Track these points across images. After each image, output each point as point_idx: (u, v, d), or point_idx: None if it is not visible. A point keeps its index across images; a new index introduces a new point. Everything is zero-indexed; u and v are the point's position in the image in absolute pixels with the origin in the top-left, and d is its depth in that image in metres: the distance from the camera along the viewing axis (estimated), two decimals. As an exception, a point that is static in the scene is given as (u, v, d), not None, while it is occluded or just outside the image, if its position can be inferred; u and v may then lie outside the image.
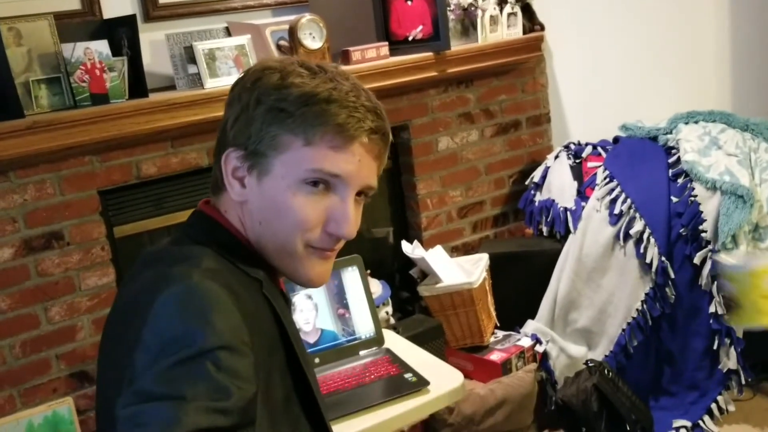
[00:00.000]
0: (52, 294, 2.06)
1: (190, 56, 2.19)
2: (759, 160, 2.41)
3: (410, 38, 2.52)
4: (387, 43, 2.48)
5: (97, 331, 2.13)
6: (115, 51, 2.08)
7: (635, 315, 2.40)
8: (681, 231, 2.36)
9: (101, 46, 2.04)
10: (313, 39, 2.28)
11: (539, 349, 2.43)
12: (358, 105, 0.91)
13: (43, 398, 2.05)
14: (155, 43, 2.26)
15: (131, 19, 2.10)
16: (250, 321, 0.83)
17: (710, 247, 2.31)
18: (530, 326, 2.51)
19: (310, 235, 0.92)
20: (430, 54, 2.50)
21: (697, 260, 2.33)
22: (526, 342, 2.42)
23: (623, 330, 2.42)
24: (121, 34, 2.10)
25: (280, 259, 0.95)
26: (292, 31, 2.27)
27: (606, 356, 2.44)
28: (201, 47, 2.16)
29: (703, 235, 2.33)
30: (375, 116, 0.93)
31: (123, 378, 0.76)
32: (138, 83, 2.10)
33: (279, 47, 2.36)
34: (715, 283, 2.31)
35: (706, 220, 2.33)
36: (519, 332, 2.49)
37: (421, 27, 2.51)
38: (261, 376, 0.82)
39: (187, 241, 0.95)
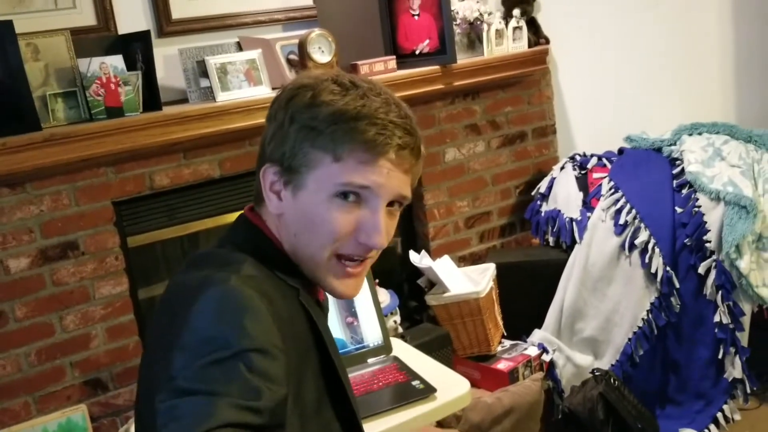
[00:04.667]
0: (67, 303, 2.10)
1: (203, 70, 2.24)
2: (762, 171, 2.44)
3: (417, 52, 2.57)
4: (394, 56, 2.52)
5: (111, 339, 2.17)
6: (130, 65, 2.13)
7: (641, 324, 2.42)
8: (685, 241, 2.39)
9: (116, 61, 2.09)
10: (322, 53, 2.33)
11: (546, 358, 2.45)
12: (386, 121, 0.93)
13: (58, 405, 2.09)
14: (168, 58, 2.31)
15: (145, 34, 2.15)
16: (283, 326, 0.86)
17: (714, 257, 2.34)
18: (537, 335, 2.53)
19: (340, 245, 0.95)
20: (436, 67, 2.55)
21: (701, 270, 2.36)
22: (533, 351, 2.44)
23: (629, 339, 2.44)
24: (136, 49, 2.15)
25: (312, 269, 0.98)
26: (302, 46, 2.31)
27: (612, 365, 2.46)
28: (213, 61, 2.20)
29: (707, 245, 2.35)
30: (404, 132, 0.95)
31: (163, 373, 0.80)
32: (152, 97, 2.15)
33: (289, 61, 2.41)
34: (720, 292, 2.33)
35: (710, 230, 2.35)
36: (526, 341, 2.51)
37: (427, 41, 2.56)
38: (292, 379, 0.85)
39: (231, 246, 0.99)
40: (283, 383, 0.80)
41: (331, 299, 1.10)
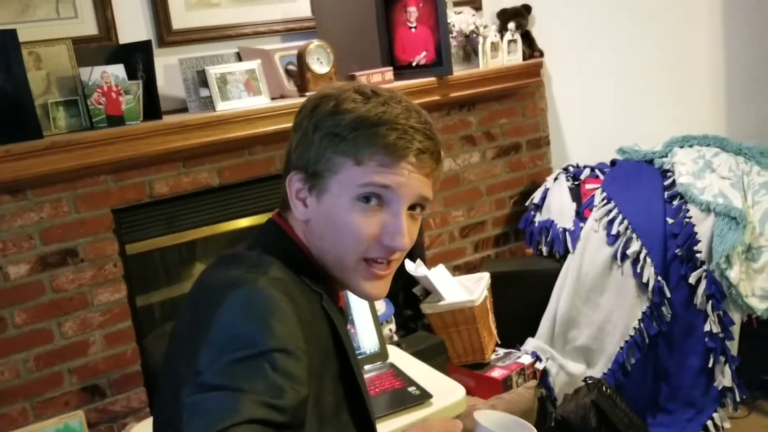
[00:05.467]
0: (65, 309, 2.12)
1: (203, 80, 2.27)
2: (751, 183, 2.48)
3: (414, 63, 2.61)
4: (392, 68, 2.56)
5: (109, 345, 2.18)
6: (131, 74, 2.16)
7: (633, 333, 2.46)
8: (676, 251, 2.43)
9: (117, 70, 2.12)
10: (320, 64, 2.36)
11: (539, 366, 2.48)
12: (407, 127, 0.96)
13: (56, 411, 2.10)
14: (169, 67, 2.34)
15: (146, 44, 2.18)
16: (306, 329, 0.89)
17: (705, 267, 2.38)
18: (530, 344, 2.56)
19: (366, 249, 0.98)
20: (433, 79, 2.59)
21: (692, 280, 2.39)
22: (526, 359, 2.47)
23: (621, 348, 2.47)
24: (137, 59, 2.18)
25: (340, 272, 1.01)
26: (301, 56, 2.35)
27: (604, 374, 2.49)
28: (213, 71, 2.24)
29: (697, 255, 2.39)
30: (424, 137, 0.97)
31: (189, 369, 0.83)
32: (152, 106, 2.18)
33: (288, 72, 2.44)
34: (710, 302, 2.37)
35: (700, 240, 2.39)
36: (519, 350, 2.55)
37: (424, 53, 2.60)
38: (313, 381, 0.88)
39: (260, 249, 1.02)
40: (305, 384, 0.83)
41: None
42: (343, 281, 1.02)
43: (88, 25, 2.21)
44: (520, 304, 2.64)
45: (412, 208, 1.00)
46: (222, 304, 0.86)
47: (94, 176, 2.12)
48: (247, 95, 2.28)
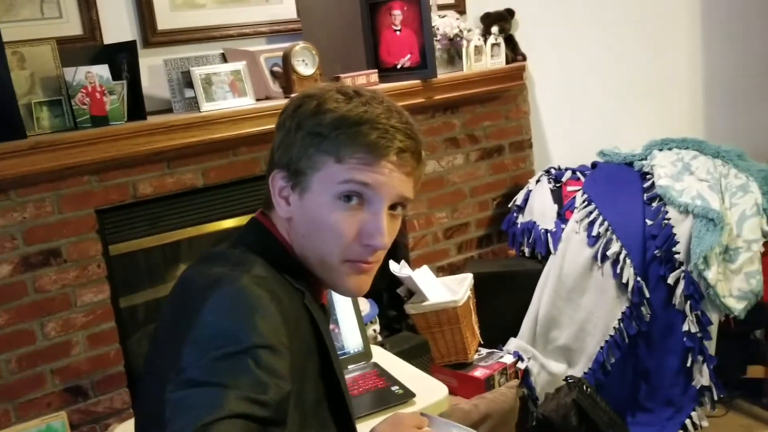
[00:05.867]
0: (48, 310, 2.11)
1: (188, 81, 2.28)
2: (729, 185, 2.53)
3: (399, 66, 2.63)
4: (377, 70, 2.58)
5: (92, 346, 2.18)
6: (115, 75, 2.16)
7: (613, 333, 2.49)
8: (655, 252, 2.46)
9: (102, 70, 2.12)
10: (305, 66, 2.38)
11: (521, 366, 2.51)
12: (388, 126, 0.97)
13: (38, 412, 2.09)
14: (154, 68, 2.34)
15: (131, 44, 2.19)
16: (289, 326, 0.90)
17: (683, 267, 2.42)
18: (512, 344, 2.59)
19: (347, 249, 0.99)
20: (417, 81, 2.61)
21: (670, 280, 2.43)
22: (508, 359, 2.50)
23: (601, 348, 2.51)
24: (121, 59, 2.18)
25: (322, 270, 1.02)
26: (286, 58, 2.36)
27: (585, 373, 2.53)
28: (198, 72, 2.24)
29: (676, 256, 2.43)
30: (405, 136, 0.98)
31: (172, 366, 0.84)
32: (137, 106, 2.18)
33: (273, 73, 2.45)
34: (688, 302, 2.41)
35: (679, 242, 2.43)
36: (502, 350, 2.57)
37: (409, 56, 2.62)
38: (296, 377, 0.88)
39: (243, 247, 1.03)
40: (288, 380, 0.84)
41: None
42: (326, 279, 1.03)
43: (72, 26, 2.21)
44: (502, 304, 2.66)
45: (392, 207, 1.01)
46: (206, 302, 0.87)
47: (78, 176, 2.12)
48: (232, 96, 2.28)
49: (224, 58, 2.42)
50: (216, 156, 2.33)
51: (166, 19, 2.36)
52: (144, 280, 2.44)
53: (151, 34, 2.34)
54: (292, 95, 2.32)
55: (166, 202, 2.30)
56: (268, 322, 0.86)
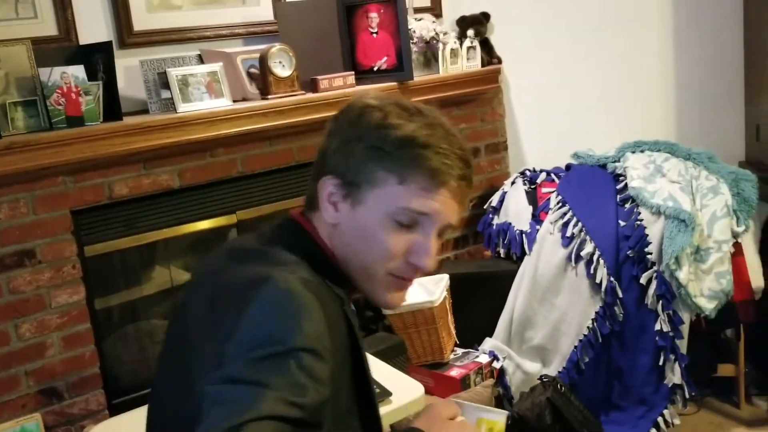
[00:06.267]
0: (23, 311, 2.09)
1: (164, 82, 2.27)
2: (700, 186, 2.58)
3: (376, 68, 2.65)
4: (353, 72, 2.60)
5: (67, 348, 2.17)
6: (91, 76, 2.15)
7: (586, 333, 2.52)
8: (628, 253, 2.51)
9: (77, 71, 2.11)
10: (282, 67, 2.39)
11: (496, 365, 2.53)
12: (449, 152, 0.98)
13: (12, 414, 2.07)
14: (130, 69, 2.33)
15: (107, 45, 2.18)
16: (331, 331, 0.91)
17: (655, 268, 2.46)
18: (488, 344, 2.62)
19: (392, 264, 1.00)
20: (394, 83, 2.63)
21: (643, 280, 2.47)
22: (484, 359, 2.52)
23: (575, 347, 2.54)
24: (97, 60, 2.17)
25: (362, 280, 1.03)
26: (263, 60, 2.37)
27: (560, 372, 2.56)
28: (174, 73, 2.24)
29: (648, 256, 2.47)
30: (464, 164, 1.00)
31: (211, 361, 0.85)
32: (112, 107, 2.17)
33: (250, 75, 2.46)
34: (661, 301, 2.46)
35: (651, 242, 2.47)
36: (477, 349, 2.60)
37: (386, 58, 2.64)
38: (333, 383, 0.88)
39: (279, 246, 1.02)
40: (328, 385, 0.84)
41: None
42: (365, 289, 1.04)
43: (47, 26, 2.20)
44: (478, 304, 2.69)
45: (439, 232, 1.03)
46: (252, 300, 0.87)
47: (53, 177, 2.11)
48: (208, 97, 2.29)
49: (201, 60, 2.42)
50: (192, 157, 2.33)
51: (142, 20, 2.36)
52: (120, 281, 2.43)
53: (127, 34, 2.33)
54: (271, 97, 2.35)
55: (142, 203, 2.29)
56: (313, 326, 0.86)
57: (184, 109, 2.23)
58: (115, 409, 2.23)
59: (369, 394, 1.05)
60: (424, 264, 1.00)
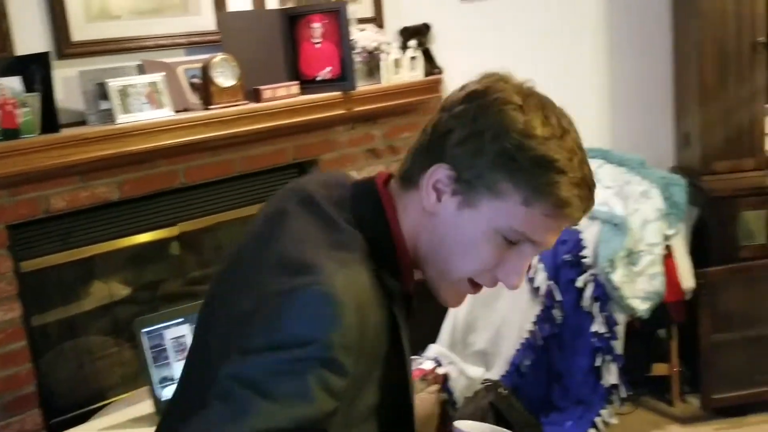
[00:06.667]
0: (-45, 329, 2.04)
1: (103, 93, 2.24)
2: (632, 192, 2.68)
3: (319, 78, 2.67)
4: (297, 82, 2.61)
5: (1, 366, 2.11)
6: (28, 87, 2.10)
7: (527, 336, 2.59)
8: (565, 257, 2.59)
9: (13, 83, 2.05)
10: (225, 77, 2.38)
11: (440, 371, 2.57)
12: (582, 184, 0.91)
13: (-56, 436, 2.01)
14: (68, 80, 2.28)
15: (44, 56, 2.13)
16: (364, 341, 0.87)
17: (591, 271, 2.55)
18: (432, 350, 2.66)
19: (479, 275, 0.95)
20: (337, 93, 2.65)
21: (579, 283, 2.56)
22: (428, 365, 2.56)
23: (517, 350, 2.61)
24: (34, 71, 2.12)
25: (435, 273, 0.97)
26: (205, 70, 2.36)
27: (502, 376, 2.61)
28: (113, 84, 2.21)
29: (584, 260, 2.56)
30: (591, 195, 0.94)
31: (240, 338, 0.85)
32: (50, 119, 2.13)
33: (192, 85, 2.44)
34: (597, 303, 2.54)
35: (586, 246, 2.56)
36: (421, 356, 2.63)
37: (329, 68, 2.66)
38: (349, 391, 0.87)
39: (349, 215, 0.95)
40: (338, 398, 0.84)
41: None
42: (432, 281, 0.98)
43: (-20, 36, 2.14)
44: (422, 311, 2.72)
45: None
46: (291, 293, 0.84)
47: (-13, 191, 2.05)
48: (149, 108, 2.26)
49: (142, 70, 2.39)
50: (132, 168, 2.30)
51: (81, 30, 2.32)
52: (57, 297, 2.37)
53: (65, 45, 2.28)
54: (213, 107, 2.33)
55: (79, 216, 2.25)
56: (342, 338, 0.83)
57: (123, 120, 2.20)
58: (52, 430, 2.18)
59: (406, 395, 1.00)
60: (512, 283, 0.95)
